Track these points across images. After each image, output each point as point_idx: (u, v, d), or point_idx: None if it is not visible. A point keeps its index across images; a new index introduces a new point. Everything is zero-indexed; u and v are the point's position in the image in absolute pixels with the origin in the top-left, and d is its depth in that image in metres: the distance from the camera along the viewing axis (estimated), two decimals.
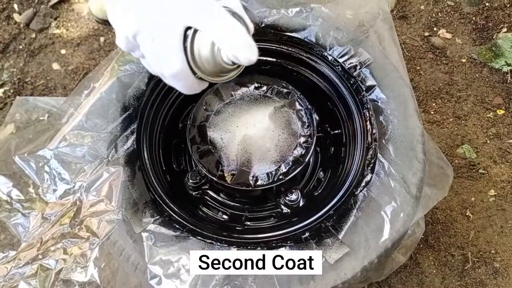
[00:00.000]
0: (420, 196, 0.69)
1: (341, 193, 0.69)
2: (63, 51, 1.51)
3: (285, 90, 0.78)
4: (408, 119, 0.73)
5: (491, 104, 1.48)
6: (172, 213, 0.68)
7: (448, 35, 1.63)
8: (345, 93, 0.78)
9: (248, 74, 0.81)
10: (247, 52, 0.50)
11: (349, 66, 0.78)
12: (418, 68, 1.55)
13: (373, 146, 0.71)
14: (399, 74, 0.77)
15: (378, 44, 0.81)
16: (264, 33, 0.81)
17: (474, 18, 1.66)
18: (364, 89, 0.76)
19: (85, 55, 1.50)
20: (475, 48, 1.59)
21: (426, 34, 1.62)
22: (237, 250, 0.64)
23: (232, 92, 0.78)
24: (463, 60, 1.57)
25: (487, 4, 1.68)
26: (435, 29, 1.64)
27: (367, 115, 0.74)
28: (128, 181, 0.68)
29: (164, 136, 0.80)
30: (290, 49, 0.81)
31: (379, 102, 0.74)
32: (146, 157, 0.72)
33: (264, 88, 0.78)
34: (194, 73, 0.54)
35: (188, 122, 0.76)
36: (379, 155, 0.70)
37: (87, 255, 0.61)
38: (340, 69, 0.78)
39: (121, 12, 0.53)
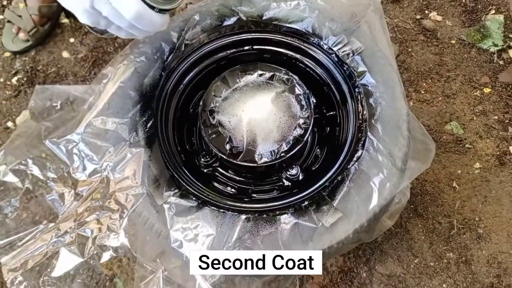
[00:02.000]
0: (405, 168, 0.79)
1: (335, 167, 0.79)
2: (71, 40, 1.58)
3: (285, 77, 0.87)
4: (395, 101, 0.82)
5: (478, 83, 1.57)
6: (189, 187, 0.78)
7: (439, 18, 1.70)
8: (339, 78, 0.87)
9: (252, 62, 0.90)
10: None
11: (342, 54, 0.86)
12: (410, 50, 1.63)
13: (364, 125, 0.81)
14: (388, 61, 0.86)
15: (369, 33, 0.89)
16: (265, 25, 0.90)
17: (463, 0, 1.73)
18: (356, 74, 0.85)
19: (92, 43, 1.58)
20: (464, 30, 1.66)
21: (418, 17, 1.69)
22: (245, 217, 0.74)
23: (238, 79, 0.87)
24: (453, 42, 1.65)
25: None
26: (426, 12, 1.71)
27: (359, 98, 0.84)
28: (149, 161, 0.77)
29: (178, 120, 0.89)
30: (289, 39, 0.90)
31: (369, 86, 0.83)
32: (163, 139, 0.82)
33: (267, 75, 0.87)
34: (151, 7, 0.64)
35: (199, 108, 0.85)
36: (369, 133, 0.79)
37: (118, 224, 0.71)
38: (334, 56, 0.87)
39: None
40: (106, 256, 0.70)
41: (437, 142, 1.46)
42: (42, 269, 0.69)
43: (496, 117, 1.50)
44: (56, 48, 1.57)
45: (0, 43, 1.55)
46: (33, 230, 0.73)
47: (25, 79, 1.52)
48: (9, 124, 1.45)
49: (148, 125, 0.81)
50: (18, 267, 0.69)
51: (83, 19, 0.67)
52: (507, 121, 1.50)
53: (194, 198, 0.76)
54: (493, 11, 1.70)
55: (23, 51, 1.55)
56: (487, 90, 1.55)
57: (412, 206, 1.37)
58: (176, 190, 0.76)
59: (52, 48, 1.57)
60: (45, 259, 0.70)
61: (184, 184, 0.78)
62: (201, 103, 0.86)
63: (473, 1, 1.73)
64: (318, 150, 0.93)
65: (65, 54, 1.56)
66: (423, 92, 1.55)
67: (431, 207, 1.37)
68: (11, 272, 0.69)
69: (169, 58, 0.87)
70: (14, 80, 1.52)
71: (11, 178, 0.78)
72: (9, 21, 1.55)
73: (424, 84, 1.57)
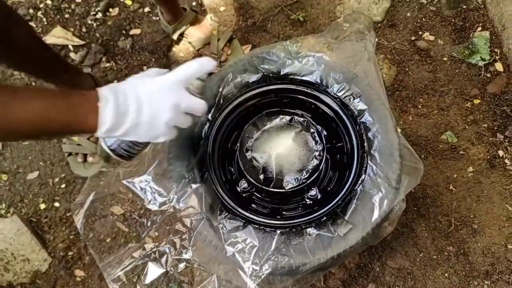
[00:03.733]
0: (399, 187, 1.03)
1: (345, 189, 1.04)
2: (115, 82, 1.85)
3: (301, 119, 1.12)
4: (388, 134, 1.06)
5: (469, 95, 1.79)
6: (235, 211, 1.03)
7: (432, 37, 1.93)
8: (344, 117, 1.11)
9: (275, 108, 1.16)
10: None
11: (345, 98, 1.11)
12: (407, 69, 1.86)
13: (365, 155, 1.05)
14: (381, 101, 1.10)
15: (365, 78, 1.14)
16: (283, 78, 1.15)
17: (453, 20, 1.95)
18: (357, 114, 1.09)
19: None
20: (454, 47, 1.89)
21: (413, 38, 1.92)
22: (280, 232, 0.99)
23: (265, 123, 1.12)
24: (445, 59, 1.87)
25: (464, 6, 1.96)
26: (420, 33, 1.93)
27: (360, 132, 1.08)
28: (205, 192, 1.03)
29: (221, 157, 1.14)
30: (303, 88, 1.14)
31: (368, 123, 1.08)
32: (213, 174, 1.07)
33: (287, 118, 1.12)
34: None
35: (237, 147, 1.10)
36: (369, 161, 1.04)
37: (187, 242, 0.97)
38: (339, 100, 1.12)
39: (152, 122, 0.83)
40: (181, 266, 0.96)
41: (434, 150, 1.69)
42: (136, 279, 0.96)
43: (485, 125, 1.73)
44: None
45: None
46: (125, 250, 0.99)
47: None
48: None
49: (201, 164, 1.07)
50: (118, 278, 0.95)
51: (161, 140, 0.89)
52: (495, 128, 1.72)
53: (240, 219, 1.01)
54: (479, 28, 1.92)
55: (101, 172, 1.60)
56: (477, 101, 1.78)
57: (415, 208, 1.60)
58: (226, 214, 1.02)
59: None
60: (137, 271, 0.96)
61: (232, 208, 1.03)
62: (238, 143, 1.11)
63: (462, 20, 1.94)
64: (331, 173, 1.17)
65: None
66: (420, 107, 1.78)
67: (432, 208, 1.60)
68: (113, 282, 0.95)
69: (212, 110, 1.12)
70: None
71: (102, 211, 1.05)
72: (70, 154, 1.64)
73: (421, 99, 1.80)
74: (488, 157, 1.67)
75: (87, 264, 1.55)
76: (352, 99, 1.10)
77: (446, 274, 1.51)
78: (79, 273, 1.55)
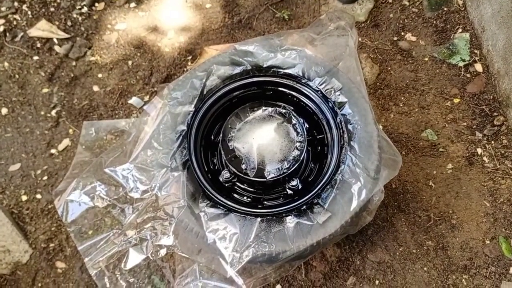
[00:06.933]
0: (378, 177, 1.05)
1: (325, 178, 1.06)
2: (100, 75, 1.85)
3: (283, 111, 1.13)
4: (368, 126, 1.08)
5: (449, 95, 1.83)
6: (217, 199, 1.04)
7: (413, 38, 1.97)
8: (325, 109, 1.14)
9: (257, 100, 1.17)
10: None
11: (326, 91, 1.13)
12: (389, 68, 1.89)
13: (345, 146, 1.07)
14: (361, 94, 1.13)
15: (346, 72, 1.16)
16: (266, 71, 1.17)
17: (434, 21, 1.99)
18: (337, 106, 1.12)
19: (118, 77, 1.85)
20: (435, 48, 1.93)
21: (395, 38, 1.96)
22: (260, 220, 1.01)
23: (248, 114, 1.13)
24: (426, 59, 1.91)
25: (445, 8, 2.01)
26: (402, 33, 1.97)
27: (340, 125, 1.10)
28: (186, 181, 1.04)
29: (203, 147, 1.16)
30: (285, 80, 1.16)
31: (348, 115, 1.10)
32: (195, 164, 1.08)
33: (269, 110, 1.14)
34: None
35: (220, 138, 1.12)
36: (348, 152, 1.06)
37: (168, 229, 0.98)
38: (320, 93, 1.14)
39: None
40: (162, 252, 0.96)
41: (415, 147, 1.72)
42: (116, 264, 0.96)
43: (465, 124, 1.77)
44: (87, 83, 1.84)
45: None
46: (106, 236, 0.99)
47: (63, 112, 1.78)
48: (53, 151, 1.72)
49: (183, 153, 1.08)
50: (98, 263, 0.95)
51: None
52: (474, 126, 1.76)
53: (221, 207, 1.03)
54: (460, 30, 1.96)
55: None
56: (456, 100, 1.82)
57: (396, 204, 1.63)
58: (208, 202, 1.03)
59: (84, 83, 1.84)
60: (118, 257, 0.96)
61: (213, 197, 1.04)
62: (220, 134, 1.12)
63: (443, 22, 1.99)
64: (312, 164, 1.19)
65: (95, 88, 1.83)
66: (401, 105, 1.82)
67: (412, 203, 1.63)
68: (93, 267, 0.96)
69: (195, 100, 1.13)
70: (53, 112, 1.79)
71: (84, 199, 1.05)
72: None
73: (403, 98, 1.83)
74: (467, 154, 1.70)
75: (68, 256, 1.54)
76: (333, 92, 1.13)
77: (425, 268, 1.54)
78: (60, 264, 1.54)
